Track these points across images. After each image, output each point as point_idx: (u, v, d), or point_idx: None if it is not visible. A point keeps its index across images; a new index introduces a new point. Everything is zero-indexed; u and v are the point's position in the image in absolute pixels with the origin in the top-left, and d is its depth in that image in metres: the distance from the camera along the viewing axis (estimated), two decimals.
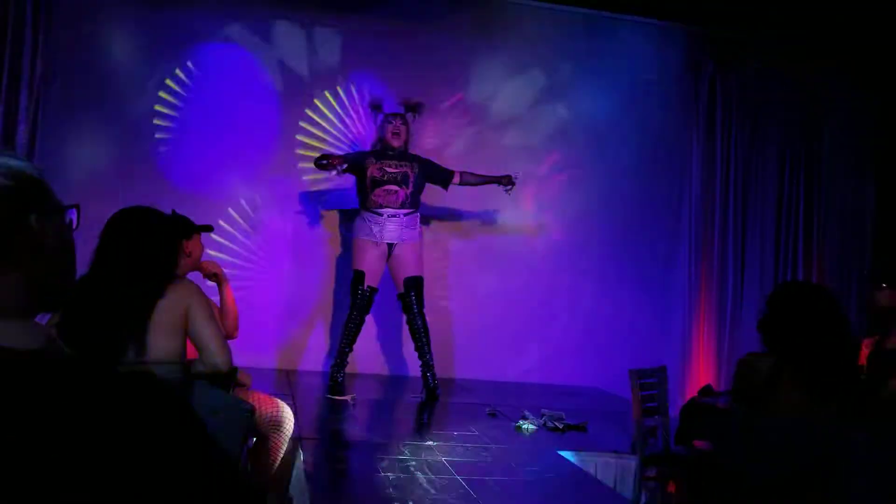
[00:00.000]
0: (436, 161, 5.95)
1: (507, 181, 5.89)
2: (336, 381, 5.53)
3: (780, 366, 2.81)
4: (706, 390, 4.58)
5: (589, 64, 7.07)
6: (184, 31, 6.38)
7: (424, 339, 5.66)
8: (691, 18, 6.86)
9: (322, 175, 6.24)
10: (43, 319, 2.46)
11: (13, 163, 1.13)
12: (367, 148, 6.23)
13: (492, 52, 6.89)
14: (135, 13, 6.29)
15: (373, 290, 5.61)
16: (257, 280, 6.42)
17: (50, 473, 0.95)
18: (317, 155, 5.84)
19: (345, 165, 5.60)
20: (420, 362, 5.69)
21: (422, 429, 5.07)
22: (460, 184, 5.96)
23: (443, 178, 5.90)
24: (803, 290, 3.06)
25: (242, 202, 6.50)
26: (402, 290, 5.68)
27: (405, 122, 5.77)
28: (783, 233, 7.23)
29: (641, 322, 6.93)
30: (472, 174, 5.95)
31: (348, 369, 5.77)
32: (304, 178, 6.60)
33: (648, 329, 6.93)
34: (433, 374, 5.67)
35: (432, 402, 5.58)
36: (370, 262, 5.60)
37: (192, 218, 3.57)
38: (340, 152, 6.07)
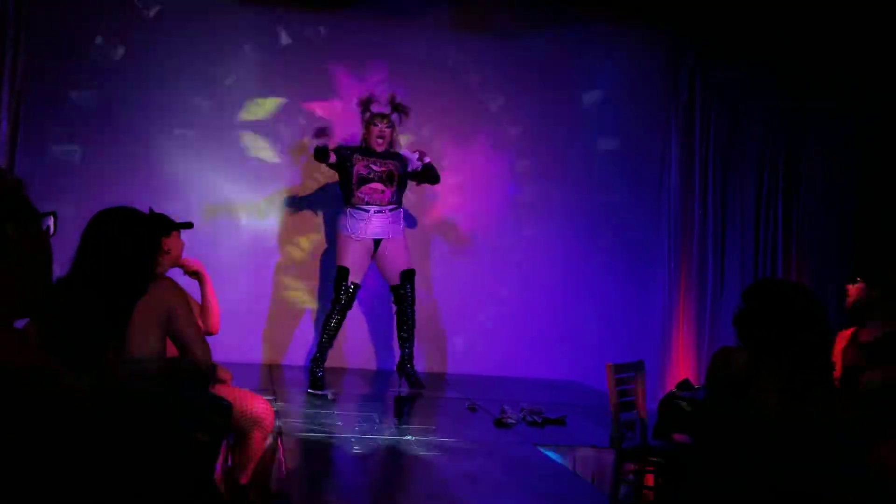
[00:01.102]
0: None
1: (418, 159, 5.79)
2: (316, 375, 5.55)
3: (755, 360, 2.84)
4: (684, 384, 4.60)
5: (568, 55, 7.09)
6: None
7: (412, 332, 5.74)
8: (674, 11, 6.87)
9: (314, 168, 6.28)
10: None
11: None
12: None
13: (469, 44, 6.89)
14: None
15: (356, 287, 5.62)
16: (241, 275, 6.40)
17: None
18: (316, 145, 5.64)
19: (334, 158, 5.60)
20: (402, 353, 5.76)
21: (402, 423, 5.10)
22: (419, 182, 5.98)
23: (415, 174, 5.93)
24: (779, 286, 3.09)
25: (227, 198, 6.50)
26: (397, 282, 5.73)
27: (391, 125, 5.72)
28: (762, 228, 7.25)
29: (620, 316, 6.95)
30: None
31: (333, 363, 5.81)
32: (288, 172, 6.62)
33: (627, 323, 6.95)
34: (412, 366, 5.75)
35: (413, 395, 5.63)
36: (354, 259, 5.62)
37: (176, 216, 3.57)
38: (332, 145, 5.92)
